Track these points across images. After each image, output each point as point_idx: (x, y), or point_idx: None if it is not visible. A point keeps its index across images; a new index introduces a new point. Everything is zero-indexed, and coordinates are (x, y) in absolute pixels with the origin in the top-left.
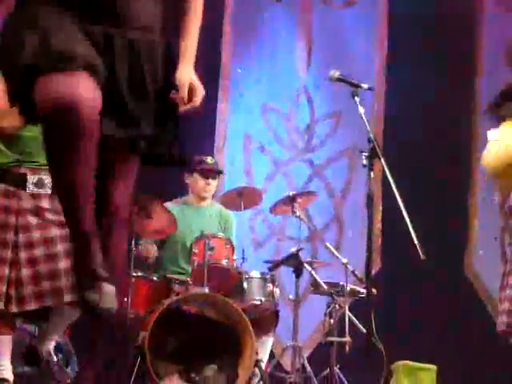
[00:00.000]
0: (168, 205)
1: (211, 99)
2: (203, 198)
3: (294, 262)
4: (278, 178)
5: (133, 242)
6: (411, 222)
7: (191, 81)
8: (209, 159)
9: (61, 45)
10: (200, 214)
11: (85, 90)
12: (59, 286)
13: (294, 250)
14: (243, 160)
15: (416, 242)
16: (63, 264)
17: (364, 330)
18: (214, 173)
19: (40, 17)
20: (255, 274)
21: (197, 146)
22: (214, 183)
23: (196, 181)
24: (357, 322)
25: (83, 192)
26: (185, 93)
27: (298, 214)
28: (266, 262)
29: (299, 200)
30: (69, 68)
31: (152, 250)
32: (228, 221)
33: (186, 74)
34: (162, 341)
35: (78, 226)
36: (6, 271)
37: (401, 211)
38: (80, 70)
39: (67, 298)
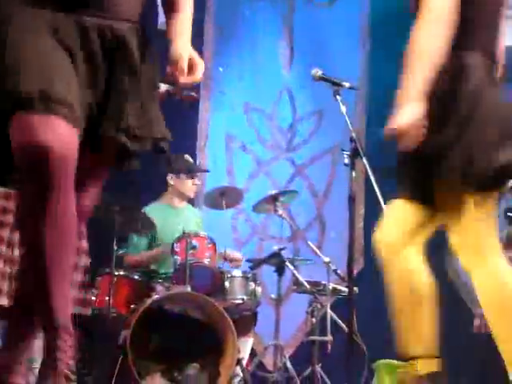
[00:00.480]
0: (149, 206)
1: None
2: (184, 197)
3: (276, 261)
4: (260, 177)
5: (115, 241)
6: None
7: (190, 56)
8: (189, 159)
9: (31, 80)
10: (180, 214)
11: (58, 137)
12: None
13: (276, 248)
14: (225, 159)
15: None
16: None
17: (346, 329)
18: (191, 172)
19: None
20: (237, 272)
21: (178, 146)
22: (197, 183)
23: (182, 181)
24: (339, 320)
25: (55, 268)
26: (184, 65)
27: (280, 212)
28: (248, 260)
29: (281, 199)
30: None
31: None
32: (200, 220)
33: (185, 47)
34: (144, 340)
35: (48, 316)
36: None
37: (383, 210)
38: (55, 114)
39: None
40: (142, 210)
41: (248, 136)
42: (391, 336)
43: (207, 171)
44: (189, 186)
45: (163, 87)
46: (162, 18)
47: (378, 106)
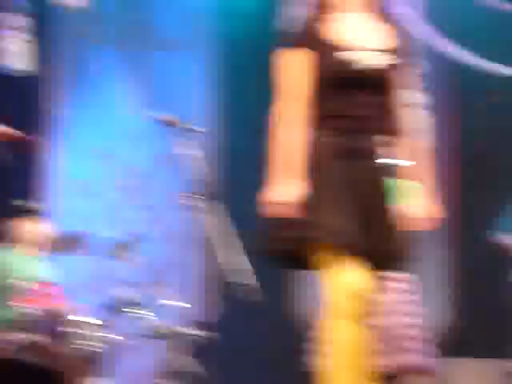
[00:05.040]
0: None
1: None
2: (28, 243)
3: (130, 306)
4: (112, 222)
5: None
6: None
7: None
8: (30, 202)
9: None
10: (25, 261)
11: None
12: None
13: (129, 294)
14: (75, 204)
15: (252, 284)
16: None
17: (202, 374)
18: (27, 214)
19: None
20: (87, 319)
21: (26, 191)
22: (30, 226)
23: (18, 225)
24: (195, 366)
25: None
26: None
27: (132, 257)
28: (102, 306)
29: (134, 244)
30: None
31: None
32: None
33: None
34: None
35: None
36: None
37: None
38: None
39: None
40: None
41: (98, 180)
42: (251, 379)
43: (41, 213)
44: (18, 228)
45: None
46: None
47: (232, 149)
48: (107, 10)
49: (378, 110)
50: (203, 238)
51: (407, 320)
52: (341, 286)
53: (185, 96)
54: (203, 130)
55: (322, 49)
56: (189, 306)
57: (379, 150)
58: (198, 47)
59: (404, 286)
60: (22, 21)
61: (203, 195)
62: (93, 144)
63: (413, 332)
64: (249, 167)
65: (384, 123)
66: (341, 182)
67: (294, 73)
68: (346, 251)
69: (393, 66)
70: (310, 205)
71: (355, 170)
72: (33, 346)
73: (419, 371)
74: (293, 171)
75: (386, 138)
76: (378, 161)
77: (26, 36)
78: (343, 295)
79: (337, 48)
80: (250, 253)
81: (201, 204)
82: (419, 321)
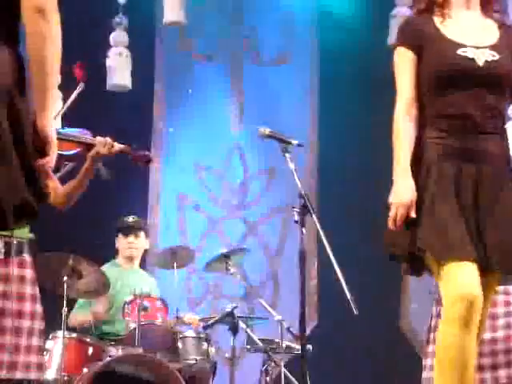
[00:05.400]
0: (103, 267)
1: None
2: (129, 258)
3: (230, 320)
4: (212, 236)
5: (65, 303)
6: (345, 276)
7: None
8: (130, 218)
9: None
10: (134, 277)
11: None
12: None
13: (229, 307)
14: (177, 219)
15: (349, 297)
16: None
17: None
18: (132, 230)
19: None
20: (190, 333)
21: (130, 207)
22: (135, 241)
23: (119, 241)
24: (293, 379)
25: None
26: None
27: (232, 271)
28: (202, 320)
29: (233, 257)
30: None
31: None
32: (153, 281)
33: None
34: None
35: None
36: None
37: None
38: None
39: None
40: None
41: (200, 195)
42: None
43: (141, 229)
44: (123, 244)
45: (117, 146)
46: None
47: (329, 162)
48: (209, 24)
49: (494, 109)
50: (300, 250)
51: None
52: (455, 294)
53: (287, 109)
54: (303, 143)
55: (438, 46)
56: (284, 318)
57: (495, 152)
58: (300, 61)
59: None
60: (123, 37)
61: (301, 208)
62: (194, 158)
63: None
64: (347, 180)
65: (499, 124)
66: (452, 185)
67: (409, 72)
68: (461, 260)
69: (508, 65)
70: (423, 208)
71: (469, 173)
72: (143, 361)
73: None
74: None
75: (499, 140)
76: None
77: (128, 52)
78: (457, 303)
79: (454, 46)
80: (345, 265)
81: (298, 217)
82: None
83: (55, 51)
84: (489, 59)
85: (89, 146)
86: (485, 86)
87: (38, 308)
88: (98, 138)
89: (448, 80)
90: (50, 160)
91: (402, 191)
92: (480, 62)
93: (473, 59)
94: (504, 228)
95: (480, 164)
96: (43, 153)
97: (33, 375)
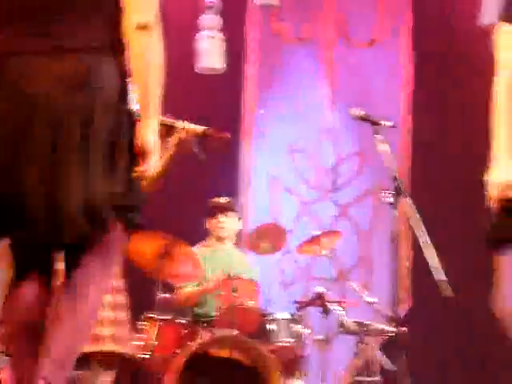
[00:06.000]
0: (194, 248)
1: (234, 141)
2: (220, 238)
3: (322, 302)
4: (304, 219)
5: (159, 285)
6: (439, 258)
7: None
8: (220, 199)
9: None
10: (225, 257)
11: None
12: None
13: (321, 289)
14: (269, 201)
15: (440, 279)
16: None
17: (393, 369)
18: (222, 210)
19: None
20: (282, 315)
21: (221, 189)
22: (226, 220)
23: (210, 221)
24: (386, 361)
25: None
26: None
27: (323, 253)
28: (294, 302)
29: (324, 240)
30: None
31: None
32: (250, 268)
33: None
34: None
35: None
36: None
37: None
38: None
39: None
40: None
41: (291, 177)
42: (440, 376)
43: (232, 210)
44: (213, 224)
45: (199, 128)
46: None
47: (423, 144)
48: (301, 7)
49: None
50: (392, 232)
51: None
52: None
53: (380, 92)
54: (393, 124)
55: None
56: (377, 300)
57: None
58: (391, 42)
59: None
60: (215, 20)
61: (394, 190)
62: (286, 141)
63: None
64: (439, 162)
65: None
66: None
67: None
68: None
69: None
70: None
71: None
72: (237, 343)
73: None
74: None
75: None
76: None
77: (220, 35)
78: None
79: None
80: (439, 248)
81: (391, 199)
82: None
83: (158, 63)
84: None
85: (168, 128)
86: None
87: (120, 282)
88: (178, 123)
89: None
90: (148, 169)
91: (509, 171)
92: None
93: None
94: None
95: None
96: (141, 160)
97: (116, 348)
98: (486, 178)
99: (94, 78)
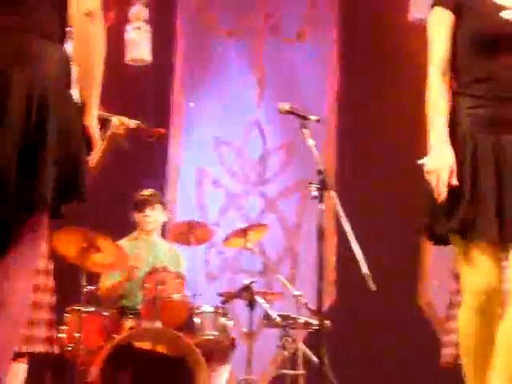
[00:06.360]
0: (120, 242)
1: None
2: (146, 231)
3: (248, 295)
4: (231, 211)
5: (84, 277)
6: (364, 252)
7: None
8: (146, 191)
9: None
10: (151, 250)
11: None
12: None
13: (246, 282)
14: (196, 194)
15: (365, 273)
16: None
17: (317, 362)
18: (147, 204)
19: None
20: (207, 308)
21: (149, 181)
22: (152, 214)
23: (136, 214)
24: (310, 354)
25: None
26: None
27: (249, 246)
28: (220, 295)
29: (251, 233)
30: None
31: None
32: (179, 259)
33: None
34: (114, 377)
35: None
36: None
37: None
38: None
39: None
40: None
41: (219, 170)
42: (362, 369)
43: (157, 203)
44: (139, 218)
45: (132, 123)
46: None
47: (349, 138)
48: (230, 0)
49: None
50: (318, 226)
51: None
52: (475, 287)
53: (307, 85)
54: (319, 118)
55: (479, 9)
56: (302, 293)
57: None
58: (320, 36)
59: None
60: (143, 11)
61: (320, 184)
62: (214, 133)
63: None
64: (366, 155)
65: None
66: (483, 157)
67: (444, 34)
68: (482, 242)
69: None
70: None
71: (502, 144)
72: (161, 335)
73: None
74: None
75: None
76: None
77: (147, 27)
78: (477, 296)
79: (496, 8)
80: (364, 241)
81: (317, 192)
82: None
83: (102, 51)
84: None
85: (103, 121)
86: None
87: (51, 283)
88: (113, 118)
89: (488, 44)
90: (93, 159)
91: (442, 156)
92: None
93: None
94: None
95: None
96: (89, 149)
97: (42, 348)
98: (421, 162)
99: (41, 60)
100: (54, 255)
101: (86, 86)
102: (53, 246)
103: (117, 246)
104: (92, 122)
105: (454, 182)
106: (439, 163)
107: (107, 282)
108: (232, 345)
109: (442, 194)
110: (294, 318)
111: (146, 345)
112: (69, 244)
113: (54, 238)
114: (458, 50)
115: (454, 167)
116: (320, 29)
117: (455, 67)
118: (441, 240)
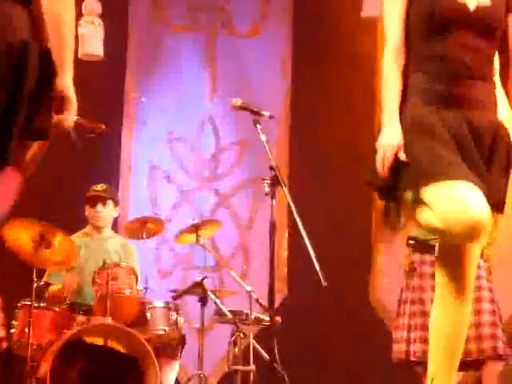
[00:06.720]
0: (73, 237)
1: (115, 129)
2: (98, 228)
3: (199, 291)
4: (184, 207)
5: (34, 273)
6: (315, 248)
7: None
8: (98, 186)
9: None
10: (102, 245)
11: None
12: None
13: (198, 278)
14: (148, 189)
15: (317, 268)
16: None
17: (267, 358)
18: (99, 200)
19: None
20: (159, 303)
21: (101, 176)
22: (103, 210)
23: (88, 210)
24: (261, 350)
25: None
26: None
27: (202, 242)
28: (171, 291)
29: (203, 229)
30: None
31: (75, 282)
32: (131, 254)
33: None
34: (64, 373)
35: None
36: None
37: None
38: None
39: None
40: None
41: (171, 166)
42: (313, 365)
43: (108, 198)
44: (91, 213)
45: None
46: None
47: (301, 135)
48: None
49: (484, 55)
50: (270, 222)
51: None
52: (462, 210)
53: (261, 82)
54: (272, 114)
55: None
56: (254, 289)
57: (484, 98)
58: (273, 33)
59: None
60: (95, 6)
61: (272, 180)
62: (166, 129)
63: (494, 318)
64: (318, 152)
65: (488, 69)
66: (434, 132)
67: (398, 14)
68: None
69: (499, 11)
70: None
71: (452, 120)
72: (112, 330)
73: (499, 358)
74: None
75: (490, 86)
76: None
77: (99, 20)
78: (463, 221)
79: None
80: (315, 237)
81: (269, 189)
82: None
83: (72, 17)
84: (480, 4)
85: None
86: (475, 31)
87: None
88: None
89: (439, 23)
90: (68, 119)
91: (390, 134)
92: (471, 7)
93: (464, 3)
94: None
95: (468, 110)
96: (62, 112)
97: None
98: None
99: (13, 26)
100: (3, 248)
101: (61, 50)
102: (2, 236)
103: (70, 241)
104: (69, 83)
105: (402, 156)
106: (387, 140)
107: (52, 287)
108: (182, 341)
109: (384, 169)
110: (245, 314)
111: (96, 340)
112: (20, 235)
113: (4, 228)
114: (412, 28)
115: (401, 144)
116: (273, 25)
117: (408, 47)
118: (389, 194)
